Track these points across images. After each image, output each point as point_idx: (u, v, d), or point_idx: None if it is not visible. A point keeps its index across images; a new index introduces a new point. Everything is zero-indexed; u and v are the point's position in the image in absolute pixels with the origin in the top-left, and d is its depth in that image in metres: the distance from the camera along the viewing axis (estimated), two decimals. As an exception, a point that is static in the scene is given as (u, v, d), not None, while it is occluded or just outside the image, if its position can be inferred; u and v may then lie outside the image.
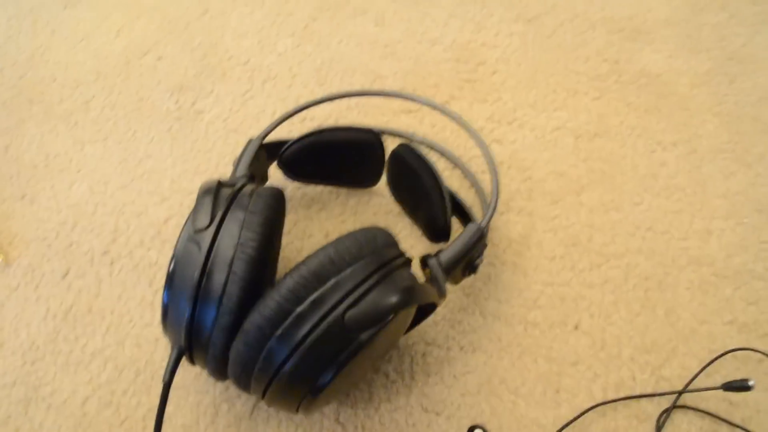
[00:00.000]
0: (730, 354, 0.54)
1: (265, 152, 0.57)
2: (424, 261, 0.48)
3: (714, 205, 0.63)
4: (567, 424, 0.51)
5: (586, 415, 0.52)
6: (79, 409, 0.52)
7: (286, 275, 0.41)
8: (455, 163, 0.65)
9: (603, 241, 0.60)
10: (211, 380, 0.53)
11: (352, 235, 0.44)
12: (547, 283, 0.58)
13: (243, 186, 0.48)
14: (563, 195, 0.63)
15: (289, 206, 0.62)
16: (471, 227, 0.50)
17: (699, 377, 0.53)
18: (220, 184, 0.47)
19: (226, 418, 0.51)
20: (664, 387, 0.53)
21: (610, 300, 0.57)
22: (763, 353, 0.54)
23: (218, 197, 0.46)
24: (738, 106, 0.70)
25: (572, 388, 0.53)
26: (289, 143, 0.57)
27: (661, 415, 0.52)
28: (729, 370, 0.54)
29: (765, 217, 0.62)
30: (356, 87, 0.72)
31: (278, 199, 0.48)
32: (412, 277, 0.45)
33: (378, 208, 0.62)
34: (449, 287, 0.53)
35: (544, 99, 0.70)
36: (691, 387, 0.53)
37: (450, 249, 0.49)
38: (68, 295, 0.57)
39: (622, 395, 0.52)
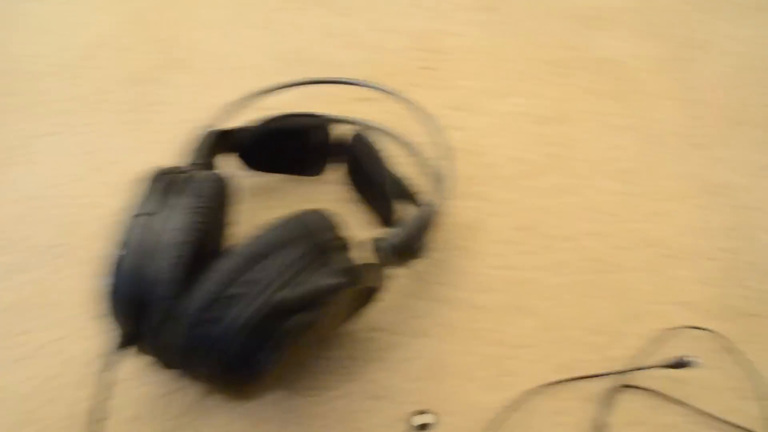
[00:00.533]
0: (677, 332, 0.55)
1: (219, 141, 0.57)
2: (369, 244, 0.48)
3: (666, 187, 0.63)
4: (510, 407, 0.51)
5: (531, 397, 0.52)
6: (24, 404, 0.52)
7: (218, 259, 0.41)
8: (412, 149, 0.65)
9: (554, 224, 0.60)
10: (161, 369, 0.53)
11: (288, 218, 0.44)
12: (497, 266, 0.58)
13: (185, 172, 0.48)
14: (517, 179, 0.63)
15: (240, 196, 0.62)
16: (418, 210, 0.50)
17: (646, 356, 0.54)
18: (163, 171, 0.47)
19: (178, 406, 0.51)
20: (611, 367, 0.53)
21: (559, 282, 0.57)
22: (710, 331, 0.54)
23: (160, 184, 0.46)
24: (693, 90, 0.71)
25: (519, 370, 0.53)
26: (238, 131, 0.57)
27: (606, 394, 0.52)
28: (676, 348, 0.54)
29: (715, 198, 0.62)
30: (315, 76, 0.72)
31: (220, 184, 0.48)
32: (350, 260, 0.45)
33: (331, 195, 0.62)
34: (398, 271, 0.53)
35: (502, 85, 0.71)
36: (637, 366, 0.53)
37: (396, 232, 0.49)
38: (18, 288, 0.57)
39: (568, 376, 0.52)
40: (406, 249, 0.49)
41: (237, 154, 0.59)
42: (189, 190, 0.45)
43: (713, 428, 0.51)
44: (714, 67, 0.72)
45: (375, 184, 0.54)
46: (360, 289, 0.48)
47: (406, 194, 0.56)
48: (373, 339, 0.54)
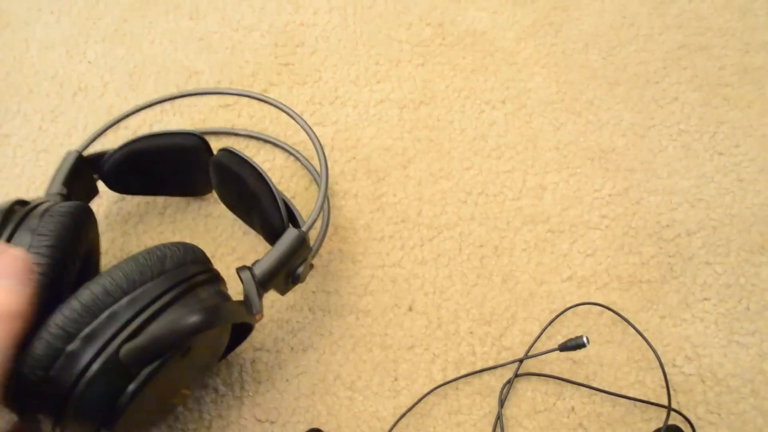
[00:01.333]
0: (570, 311, 0.52)
1: (90, 167, 0.53)
2: (238, 273, 0.43)
3: (546, 159, 0.61)
4: (405, 413, 0.48)
5: (426, 399, 0.49)
6: None
7: (56, 309, 0.37)
8: (287, 153, 0.61)
9: (433, 213, 0.57)
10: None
11: (134, 259, 0.39)
12: (377, 266, 0.55)
13: (39, 204, 0.43)
14: (389, 170, 0.60)
15: (115, 222, 0.57)
16: (289, 234, 0.45)
17: (541, 340, 0.51)
18: (15, 204, 0.42)
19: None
20: (506, 357, 0.51)
21: (444, 274, 0.54)
22: (601, 306, 0.52)
23: (8, 218, 0.41)
24: (565, 55, 0.69)
25: (410, 373, 0.50)
26: (107, 155, 0.53)
27: (503, 386, 0.49)
28: (570, 328, 0.52)
29: (596, 164, 0.60)
30: (171, 87, 0.68)
31: (75, 216, 0.43)
32: (209, 298, 0.40)
33: (213, 216, 0.58)
34: (277, 298, 0.49)
35: (366, 73, 0.67)
36: (531, 352, 0.50)
37: (265, 259, 0.44)
38: None
39: (463, 373, 0.50)
40: (275, 276, 0.45)
41: (105, 178, 0.54)
42: (33, 226, 0.40)
43: (616, 405, 0.49)
44: (583, 28, 0.70)
45: (253, 203, 0.49)
46: (225, 326, 0.43)
47: (283, 208, 0.52)
48: (256, 359, 0.51)
